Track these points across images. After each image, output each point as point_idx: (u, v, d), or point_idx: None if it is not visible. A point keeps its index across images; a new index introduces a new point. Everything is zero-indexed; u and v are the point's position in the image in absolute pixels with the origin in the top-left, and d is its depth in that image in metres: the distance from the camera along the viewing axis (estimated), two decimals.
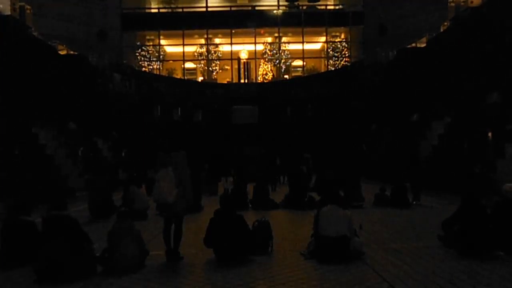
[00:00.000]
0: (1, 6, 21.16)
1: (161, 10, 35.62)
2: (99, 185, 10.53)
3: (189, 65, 36.09)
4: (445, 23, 24.89)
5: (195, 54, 35.59)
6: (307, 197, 11.60)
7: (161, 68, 35.63)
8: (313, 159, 17.83)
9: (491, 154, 12.66)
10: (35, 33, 23.99)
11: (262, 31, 35.03)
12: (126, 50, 34.81)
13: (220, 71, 35.29)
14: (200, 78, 35.54)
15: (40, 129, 16.19)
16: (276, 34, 35.21)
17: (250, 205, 11.49)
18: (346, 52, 35.25)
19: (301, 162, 16.28)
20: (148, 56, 35.36)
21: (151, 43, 35.97)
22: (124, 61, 32.73)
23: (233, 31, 34.61)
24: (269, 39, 35.68)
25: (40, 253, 5.52)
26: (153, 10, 36.08)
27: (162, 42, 35.86)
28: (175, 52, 35.94)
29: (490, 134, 13.24)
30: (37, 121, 16.22)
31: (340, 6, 36.17)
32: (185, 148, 6.55)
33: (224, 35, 35.43)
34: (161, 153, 6.33)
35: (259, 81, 34.33)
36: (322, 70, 35.18)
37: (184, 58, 35.31)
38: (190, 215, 8.79)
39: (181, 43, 34.90)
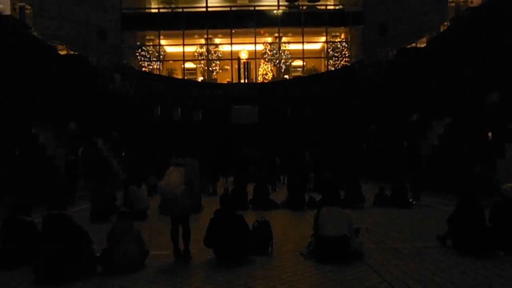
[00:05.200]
0: (1, 6, 21.20)
1: (161, 10, 35.65)
2: (102, 193, 10.36)
3: (189, 65, 36.11)
4: (445, 23, 24.93)
5: (195, 54, 35.61)
6: (308, 198, 11.58)
7: (161, 68, 35.65)
8: (313, 159, 17.81)
9: (491, 154, 12.64)
10: (35, 33, 24.02)
11: (262, 31, 35.06)
12: (126, 50, 34.85)
13: (220, 71, 35.32)
14: (200, 78, 35.55)
15: (40, 129, 16.14)
16: (276, 34, 35.24)
17: (250, 205, 11.49)
18: (346, 52, 35.28)
19: (301, 163, 16.28)
20: (148, 56, 35.40)
21: (151, 43, 36.00)
22: (124, 61, 32.76)
23: (233, 31, 34.64)
24: (269, 39, 35.71)
25: (39, 253, 5.51)
26: (153, 10, 36.12)
27: (162, 42, 35.88)
28: (175, 52, 35.96)
29: (490, 134, 13.22)
30: (37, 121, 16.18)
31: (340, 6, 36.22)
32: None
33: (224, 35, 35.45)
34: (174, 156, 6.50)
35: (259, 81, 34.36)
36: (322, 70, 35.22)
37: (184, 58, 35.33)
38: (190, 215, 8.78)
39: (181, 43, 34.93)
